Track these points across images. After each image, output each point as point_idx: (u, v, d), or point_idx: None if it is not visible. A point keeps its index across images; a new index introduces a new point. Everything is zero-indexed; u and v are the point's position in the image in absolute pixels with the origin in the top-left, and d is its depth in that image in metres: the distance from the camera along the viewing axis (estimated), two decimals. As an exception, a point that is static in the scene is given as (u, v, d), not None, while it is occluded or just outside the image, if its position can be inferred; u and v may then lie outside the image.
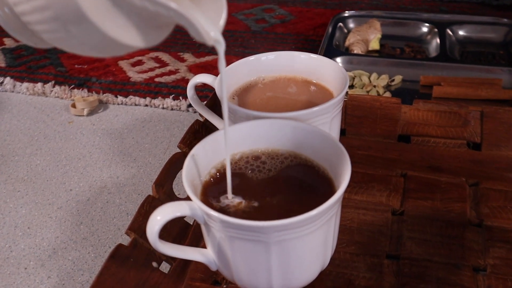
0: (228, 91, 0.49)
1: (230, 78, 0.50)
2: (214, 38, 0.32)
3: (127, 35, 0.30)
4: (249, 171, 0.40)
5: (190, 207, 0.35)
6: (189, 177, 0.37)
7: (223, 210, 0.37)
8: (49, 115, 0.72)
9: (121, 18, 0.29)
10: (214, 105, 0.55)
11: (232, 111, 0.45)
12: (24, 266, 0.49)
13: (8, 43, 0.93)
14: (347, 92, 0.57)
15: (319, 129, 0.40)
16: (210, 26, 0.32)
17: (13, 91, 0.79)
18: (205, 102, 0.54)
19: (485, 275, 0.41)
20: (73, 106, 0.72)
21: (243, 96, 0.50)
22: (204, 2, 0.33)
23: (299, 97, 0.50)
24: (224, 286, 0.42)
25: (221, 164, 0.41)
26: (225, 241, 0.35)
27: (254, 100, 0.50)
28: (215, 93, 0.56)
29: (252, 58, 0.51)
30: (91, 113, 0.72)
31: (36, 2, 0.28)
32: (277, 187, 0.38)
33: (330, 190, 0.37)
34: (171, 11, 0.29)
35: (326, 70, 0.50)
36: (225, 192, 0.38)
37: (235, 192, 0.38)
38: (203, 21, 0.32)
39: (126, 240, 0.51)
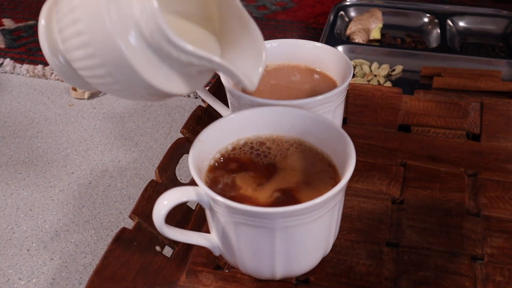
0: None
1: (234, 64, 0.50)
2: (255, 84, 0.34)
3: (172, 85, 0.32)
4: (255, 156, 0.41)
5: (197, 192, 0.35)
6: (195, 162, 0.37)
7: (228, 195, 0.37)
8: (49, 97, 0.72)
9: (166, 69, 0.31)
10: (218, 91, 0.55)
11: (236, 98, 0.46)
12: (26, 248, 0.49)
13: (8, 24, 0.93)
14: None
15: (323, 118, 0.41)
16: (252, 73, 0.34)
17: (13, 73, 0.78)
18: (207, 87, 0.55)
19: (483, 263, 0.42)
20: (74, 89, 0.72)
21: (247, 83, 0.50)
22: (243, 42, 0.35)
23: (303, 85, 0.50)
24: (226, 271, 0.42)
25: (225, 149, 0.41)
26: (229, 226, 0.35)
27: (258, 87, 0.50)
28: (218, 78, 0.56)
29: (256, 45, 0.51)
30: (92, 96, 0.72)
31: (85, 50, 0.30)
32: (282, 172, 0.39)
33: (334, 177, 0.38)
34: (215, 64, 0.31)
35: (330, 59, 0.50)
36: (230, 176, 0.38)
37: (239, 176, 0.39)
38: (245, 70, 0.34)
39: (128, 223, 0.51)
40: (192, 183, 0.36)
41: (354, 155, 0.36)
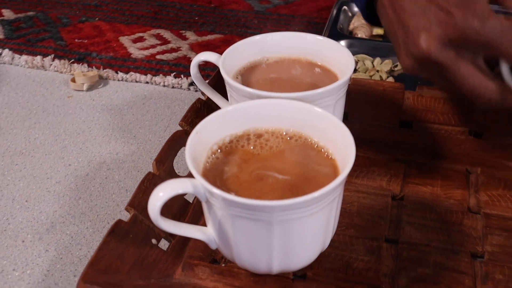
0: (232, 71, 0.49)
1: (234, 57, 0.49)
2: None
3: None
4: (251, 147, 0.40)
5: (193, 184, 0.34)
6: (192, 154, 0.36)
7: (225, 187, 0.36)
8: (48, 89, 0.71)
9: None
10: (217, 84, 0.54)
11: (235, 90, 0.45)
12: (21, 239, 0.49)
13: (7, 14, 0.92)
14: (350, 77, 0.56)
15: (323, 111, 0.40)
16: None
17: (11, 64, 0.78)
18: (207, 81, 0.54)
19: (483, 261, 0.41)
20: (73, 80, 0.71)
21: (247, 76, 0.50)
22: None
23: (303, 78, 0.49)
24: (223, 265, 0.42)
25: (222, 141, 0.40)
26: (226, 219, 0.35)
27: (257, 80, 0.49)
28: (218, 72, 0.56)
29: (257, 37, 0.51)
30: (90, 88, 0.71)
31: None
32: (280, 165, 0.38)
33: (333, 171, 0.37)
34: None
35: (331, 53, 0.49)
36: (227, 169, 0.38)
37: (236, 168, 0.38)
38: None
39: (124, 216, 0.50)
40: (190, 176, 0.35)
41: (354, 149, 0.35)
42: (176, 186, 0.34)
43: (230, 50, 0.49)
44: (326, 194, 0.33)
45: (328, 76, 0.49)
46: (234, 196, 0.32)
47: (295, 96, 0.42)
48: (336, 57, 0.49)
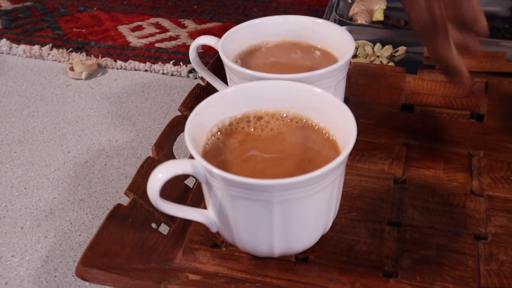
0: (231, 55, 0.48)
1: (233, 41, 0.49)
2: None
3: None
4: (252, 129, 0.39)
5: (192, 165, 0.34)
6: (191, 135, 0.36)
7: (225, 168, 0.36)
8: (46, 77, 0.71)
9: None
10: (217, 69, 0.54)
11: (235, 73, 0.44)
12: (20, 226, 0.48)
13: (4, 4, 0.91)
14: (351, 61, 0.56)
15: (324, 92, 0.39)
16: None
17: (9, 53, 0.77)
18: (207, 66, 0.53)
19: (486, 243, 0.41)
20: (71, 69, 0.71)
21: (246, 59, 0.49)
22: None
23: (303, 62, 0.49)
24: (224, 249, 0.41)
25: (222, 123, 0.40)
26: (226, 200, 0.34)
27: (257, 64, 0.49)
28: (217, 57, 0.55)
29: (257, 21, 0.50)
30: (89, 77, 0.70)
31: None
32: (280, 146, 0.38)
33: (334, 152, 0.37)
34: None
35: (331, 36, 0.49)
36: (227, 150, 0.37)
37: (236, 150, 0.38)
38: None
39: (124, 202, 0.50)
40: (191, 157, 0.35)
41: (355, 128, 0.35)
42: (175, 166, 0.34)
43: (230, 34, 0.48)
44: (327, 173, 0.32)
45: (328, 59, 0.49)
46: (234, 175, 0.32)
47: (295, 77, 0.41)
48: (336, 39, 0.48)
